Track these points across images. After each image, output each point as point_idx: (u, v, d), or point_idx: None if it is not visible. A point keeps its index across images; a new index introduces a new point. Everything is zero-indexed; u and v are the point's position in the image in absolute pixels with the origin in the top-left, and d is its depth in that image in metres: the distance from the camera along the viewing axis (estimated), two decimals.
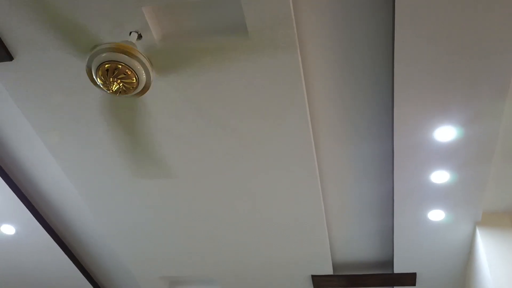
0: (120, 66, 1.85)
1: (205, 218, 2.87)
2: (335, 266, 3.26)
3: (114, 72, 1.85)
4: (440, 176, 2.41)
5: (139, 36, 1.97)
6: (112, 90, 1.89)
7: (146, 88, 1.99)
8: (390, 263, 3.18)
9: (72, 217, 3.13)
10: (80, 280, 3.52)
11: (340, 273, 3.29)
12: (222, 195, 2.70)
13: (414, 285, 3.18)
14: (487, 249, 2.60)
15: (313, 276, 3.25)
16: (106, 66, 1.85)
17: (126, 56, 1.84)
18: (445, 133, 2.20)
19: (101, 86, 1.92)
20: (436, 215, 2.65)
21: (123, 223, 2.98)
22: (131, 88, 1.94)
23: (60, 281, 3.55)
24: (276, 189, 2.61)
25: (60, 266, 3.40)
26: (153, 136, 2.38)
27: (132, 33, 1.95)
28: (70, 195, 2.94)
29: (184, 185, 2.66)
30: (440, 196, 2.52)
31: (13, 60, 2.11)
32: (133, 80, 1.91)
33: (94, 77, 1.91)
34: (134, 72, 1.89)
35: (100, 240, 3.30)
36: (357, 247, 3.10)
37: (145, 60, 1.90)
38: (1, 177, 2.75)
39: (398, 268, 3.09)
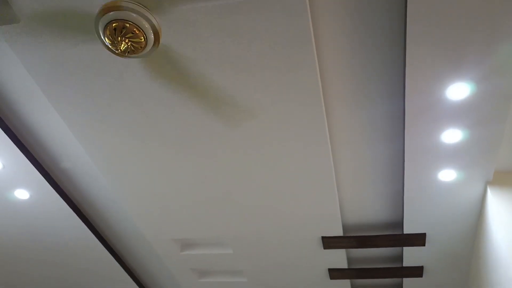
0: (128, 25, 1.83)
1: (216, 182, 2.89)
2: (345, 228, 3.29)
3: (122, 31, 1.83)
4: (452, 135, 2.39)
5: None
6: (120, 50, 1.87)
7: (154, 48, 1.97)
8: (400, 224, 3.20)
9: (85, 182, 3.17)
10: (94, 242, 3.60)
11: (350, 234, 3.32)
12: (232, 159, 2.70)
13: (424, 245, 3.20)
14: (498, 209, 2.60)
15: (323, 238, 3.29)
16: (114, 25, 1.83)
17: (133, 14, 1.81)
18: (458, 90, 2.16)
19: (110, 46, 1.90)
20: (447, 175, 2.64)
21: (135, 187, 3.02)
22: (140, 48, 1.92)
23: (74, 243, 3.63)
24: (286, 152, 2.61)
25: (74, 229, 3.47)
26: (161, 99, 2.37)
27: None
28: (83, 160, 2.97)
29: (195, 149, 2.66)
30: (451, 155, 2.51)
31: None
32: (141, 39, 1.89)
33: (102, 37, 1.89)
34: (142, 31, 1.87)
35: (113, 204, 3.35)
36: (367, 208, 3.11)
37: (152, 19, 1.88)
38: (14, 143, 2.78)
39: (408, 229, 3.11)
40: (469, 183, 2.69)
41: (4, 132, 2.72)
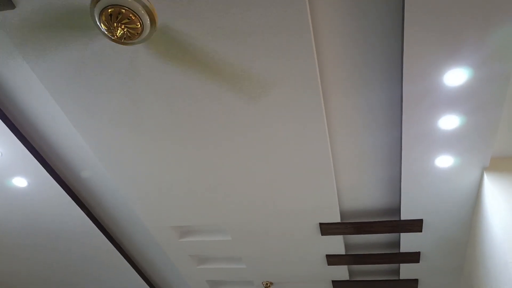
0: (124, 11, 1.82)
1: (214, 170, 2.90)
2: (342, 214, 3.31)
3: (118, 17, 1.82)
4: (449, 121, 2.39)
5: None
6: (116, 36, 1.86)
7: (150, 34, 1.96)
8: (397, 210, 3.22)
9: (83, 169, 3.17)
10: (92, 229, 3.62)
11: (348, 221, 3.34)
12: (230, 146, 2.71)
13: (421, 231, 3.22)
14: (494, 194, 2.62)
15: (320, 224, 3.31)
16: (109, 10, 1.82)
17: (129, 0, 1.80)
18: (455, 76, 2.16)
19: (106, 32, 1.89)
20: (444, 161, 2.65)
21: (134, 175, 3.02)
22: (136, 34, 1.91)
23: (73, 230, 3.65)
24: (284, 138, 2.62)
25: (72, 216, 3.48)
26: (156, 88, 2.36)
27: None
28: (81, 148, 2.97)
29: (192, 138, 2.66)
30: (449, 142, 2.51)
31: (15, 9, 2.07)
32: (138, 25, 1.88)
33: (98, 23, 1.88)
34: (138, 16, 1.85)
35: (111, 192, 3.36)
36: (364, 195, 3.13)
37: (149, 4, 1.86)
38: (11, 131, 2.78)
39: (405, 215, 3.13)
40: (466, 169, 2.70)
41: (2, 121, 2.71)
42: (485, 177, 2.69)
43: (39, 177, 3.11)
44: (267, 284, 4.19)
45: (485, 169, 2.70)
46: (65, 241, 3.79)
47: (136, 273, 4.19)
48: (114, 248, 3.84)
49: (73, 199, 3.32)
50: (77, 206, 3.37)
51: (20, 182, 3.17)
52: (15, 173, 3.09)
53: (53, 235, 3.73)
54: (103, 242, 3.77)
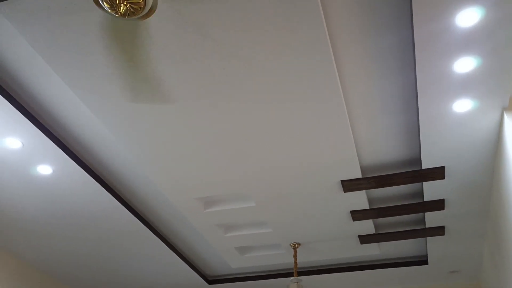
0: None
1: (232, 137, 2.92)
2: (363, 169, 3.32)
3: None
4: (464, 64, 2.34)
5: None
6: (120, 13, 1.86)
7: (153, 9, 1.95)
8: (417, 159, 3.21)
9: (103, 151, 3.22)
10: (119, 208, 3.71)
11: (369, 175, 3.35)
12: (245, 111, 2.71)
13: (444, 178, 3.22)
14: None
15: (342, 181, 3.33)
16: None
17: None
18: (468, 17, 2.10)
19: (109, 10, 1.88)
20: (462, 105, 2.61)
21: (152, 150, 3.06)
22: (139, 9, 1.90)
23: (101, 210, 3.75)
24: (297, 97, 2.61)
25: (98, 198, 3.57)
26: (157, 62, 2.36)
27: None
28: (99, 130, 3.00)
29: (208, 106, 2.67)
30: (465, 85, 2.47)
31: None
32: (140, 0, 1.87)
33: (100, 1, 1.87)
34: None
35: (133, 171, 3.42)
36: (383, 148, 3.12)
37: None
38: (29, 120, 2.82)
39: (426, 164, 3.12)
40: (485, 111, 2.66)
41: (20, 111, 2.75)
42: (505, 117, 2.65)
43: (63, 163, 3.18)
44: (294, 245, 4.27)
45: (505, 109, 2.66)
46: (95, 220, 3.90)
47: (165, 245, 4.30)
48: (141, 223, 3.93)
49: (97, 181, 3.39)
50: (102, 188, 3.45)
51: (45, 169, 3.24)
52: (39, 162, 3.16)
53: (83, 216, 3.84)
54: (130, 219, 3.86)
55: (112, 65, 2.41)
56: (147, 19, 2.09)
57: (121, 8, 1.84)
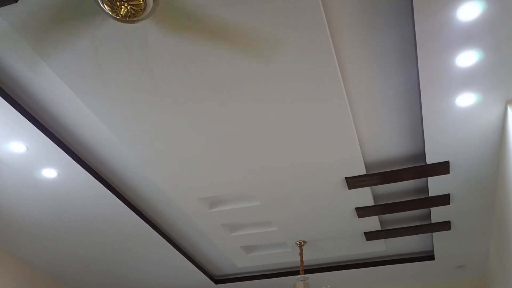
0: None
1: (234, 136, 2.92)
2: (367, 166, 3.31)
3: None
4: (467, 58, 2.33)
5: None
6: (121, 15, 1.86)
7: (154, 9, 1.95)
8: (422, 155, 3.20)
9: (107, 154, 3.23)
10: (125, 211, 3.72)
11: (373, 172, 3.34)
12: (247, 111, 2.71)
13: (448, 173, 3.21)
14: None
15: (346, 178, 3.33)
16: None
17: None
18: (469, 11, 2.09)
19: (110, 13, 1.89)
20: (465, 99, 2.60)
21: (155, 152, 3.07)
22: (140, 10, 1.90)
23: (106, 213, 3.76)
24: (299, 94, 2.61)
25: (103, 200, 3.59)
26: (157, 63, 2.37)
27: None
28: (103, 132, 3.01)
29: (209, 106, 2.68)
30: (468, 79, 2.46)
31: (17, 2, 2.08)
32: (140, 1, 1.88)
33: (101, 4, 1.87)
34: None
35: (138, 173, 3.43)
36: (387, 144, 3.11)
37: None
38: (33, 124, 2.83)
39: (430, 159, 3.11)
40: (488, 104, 2.65)
41: (24, 116, 2.76)
42: (509, 110, 2.64)
43: (67, 166, 3.19)
44: (300, 243, 4.27)
45: (509, 102, 2.65)
46: (100, 223, 3.91)
47: (171, 246, 4.31)
48: (148, 226, 3.94)
49: (102, 183, 3.40)
50: (107, 190, 3.46)
51: (49, 173, 3.25)
52: (44, 165, 3.17)
53: (88, 219, 3.85)
54: (135, 221, 3.87)
55: (114, 68, 2.42)
56: (146, 20, 2.09)
57: (122, 10, 1.85)
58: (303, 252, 4.33)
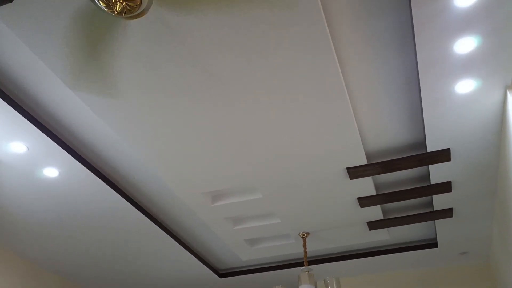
0: None
1: (235, 130, 2.92)
2: (368, 155, 3.31)
3: None
4: (465, 44, 2.33)
5: None
6: (117, 12, 1.85)
7: (150, 4, 1.94)
8: (422, 143, 3.20)
9: (108, 150, 3.23)
10: (127, 208, 3.73)
11: (374, 161, 3.34)
12: (247, 104, 2.71)
13: (449, 160, 3.21)
14: None
15: (348, 168, 3.33)
16: None
17: None
18: None
19: (106, 9, 1.88)
20: (465, 85, 2.60)
21: (157, 147, 3.07)
22: (135, 6, 1.89)
23: (109, 210, 3.77)
24: (298, 86, 2.60)
25: (106, 198, 3.59)
26: (158, 63, 2.36)
27: None
28: (103, 129, 3.01)
29: (209, 100, 2.67)
30: (467, 65, 2.46)
31: (12, 2, 2.07)
32: None
33: (96, 1, 1.86)
34: None
35: (139, 168, 3.43)
36: (388, 133, 3.11)
37: None
38: (33, 124, 2.83)
39: (431, 147, 3.11)
40: (488, 90, 2.65)
41: (23, 116, 2.76)
42: (509, 95, 2.64)
43: (68, 165, 3.19)
44: (303, 234, 4.28)
45: (508, 87, 2.64)
46: (104, 220, 3.92)
47: (175, 241, 4.33)
48: (151, 222, 3.96)
49: (103, 181, 3.40)
50: (109, 187, 3.46)
51: (51, 172, 3.26)
52: (45, 165, 3.18)
53: (91, 216, 3.86)
54: (138, 217, 3.88)
55: (112, 65, 2.41)
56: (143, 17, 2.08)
57: (117, 6, 1.84)
58: (306, 243, 4.34)
